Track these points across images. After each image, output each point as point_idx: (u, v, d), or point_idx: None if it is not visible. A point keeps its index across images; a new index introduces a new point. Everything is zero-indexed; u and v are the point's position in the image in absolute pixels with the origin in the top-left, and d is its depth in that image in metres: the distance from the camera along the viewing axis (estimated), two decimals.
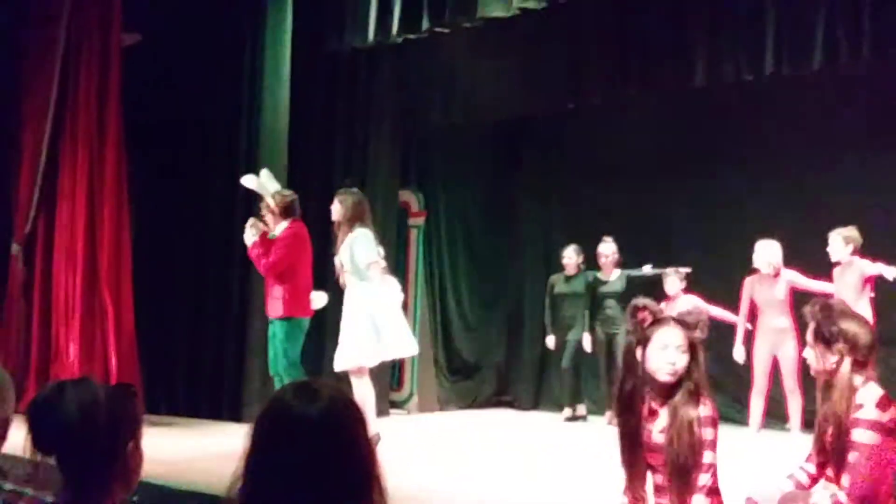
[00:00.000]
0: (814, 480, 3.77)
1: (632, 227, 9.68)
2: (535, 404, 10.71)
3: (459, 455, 7.51)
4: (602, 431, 8.90)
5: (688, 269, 8.89)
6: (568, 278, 9.80)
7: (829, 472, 3.65)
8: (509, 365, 11.11)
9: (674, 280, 8.87)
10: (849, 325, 3.69)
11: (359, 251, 6.87)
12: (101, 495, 2.26)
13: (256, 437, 1.96)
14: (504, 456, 7.41)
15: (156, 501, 4.60)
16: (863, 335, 3.67)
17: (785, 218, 8.54)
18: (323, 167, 9.29)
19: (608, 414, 9.27)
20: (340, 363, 6.91)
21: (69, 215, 8.76)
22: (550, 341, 9.90)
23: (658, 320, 3.82)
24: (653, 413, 3.80)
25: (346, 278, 7.00)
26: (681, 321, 3.82)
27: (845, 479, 3.53)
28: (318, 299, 7.34)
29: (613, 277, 9.53)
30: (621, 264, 9.51)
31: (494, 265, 11.12)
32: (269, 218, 7.21)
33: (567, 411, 9.72)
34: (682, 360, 3.73)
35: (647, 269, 9.26)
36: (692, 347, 3.77)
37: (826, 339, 3.66)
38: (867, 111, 8.77)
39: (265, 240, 7.10)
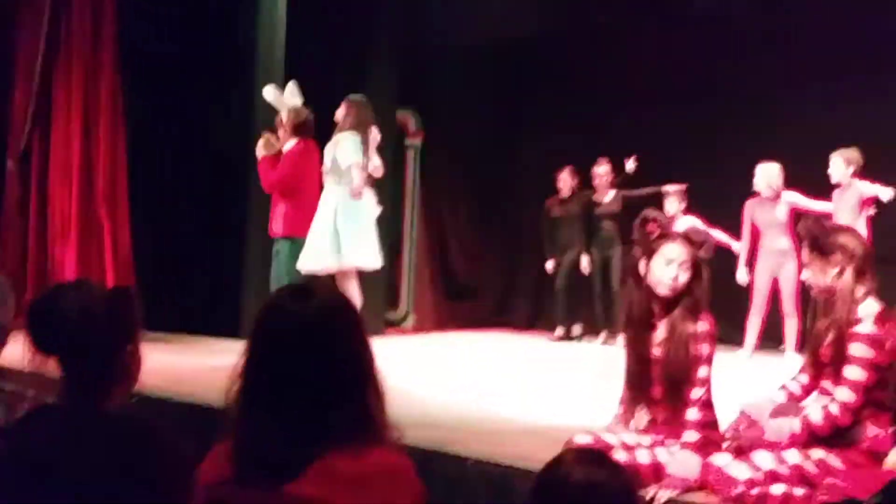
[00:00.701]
0: (806, 392, 3.80)
1: (632, 151, 9.59)
2: (531, 324, 10.76)
3: (454, 370, 7.55)
4: (596, 351, 8.98)
5: (684, 186, 8.86)
6: (563, 201, 9.79)
7: (824, 384, 3.68)
8: (506, 285, 11.14)
9: (672, 200, 8.85)
10: (843, 237, 3.71)
11: (342, 152, 6.84)
12: (101, 396, 2.27)
13: (253, 337, 1.97)
14: (498, 372, 7.45)
15: (151, 412, 4.62)
16: (858, 245, 3.68)
17: (785, 140, 8.49)
18: (319, 86, 9.18)
19: (603, 334, 9.34)
20: (301, 263, 6.90)
21: (64, 131, 8.69)
22: (549, 265, 9.91)
23: (665, 235, 3.84)
24: (652, 327, 3.83)
25: (325, 179, 6.98)
26: (687, 238, 3.84)
27: (839, 392, 3.55)
28: None
29: (608, 199, 9.51)
30: (616, 185, 9.49)
31: (493, 185, 11.06)
32: (281, 133, 7.16)
33: (559, 330, 9.76)
34: (683, 277, 3.76)
35: (630, 165, 9.22)
36: (696, 265, 3.78)
37: (824, 252, 3.66)
38: (867, 30, 8.64)
39: (273, 156, 7.06)
